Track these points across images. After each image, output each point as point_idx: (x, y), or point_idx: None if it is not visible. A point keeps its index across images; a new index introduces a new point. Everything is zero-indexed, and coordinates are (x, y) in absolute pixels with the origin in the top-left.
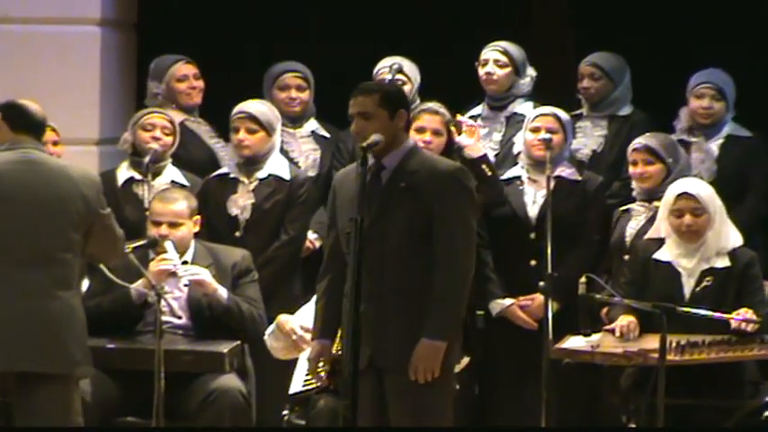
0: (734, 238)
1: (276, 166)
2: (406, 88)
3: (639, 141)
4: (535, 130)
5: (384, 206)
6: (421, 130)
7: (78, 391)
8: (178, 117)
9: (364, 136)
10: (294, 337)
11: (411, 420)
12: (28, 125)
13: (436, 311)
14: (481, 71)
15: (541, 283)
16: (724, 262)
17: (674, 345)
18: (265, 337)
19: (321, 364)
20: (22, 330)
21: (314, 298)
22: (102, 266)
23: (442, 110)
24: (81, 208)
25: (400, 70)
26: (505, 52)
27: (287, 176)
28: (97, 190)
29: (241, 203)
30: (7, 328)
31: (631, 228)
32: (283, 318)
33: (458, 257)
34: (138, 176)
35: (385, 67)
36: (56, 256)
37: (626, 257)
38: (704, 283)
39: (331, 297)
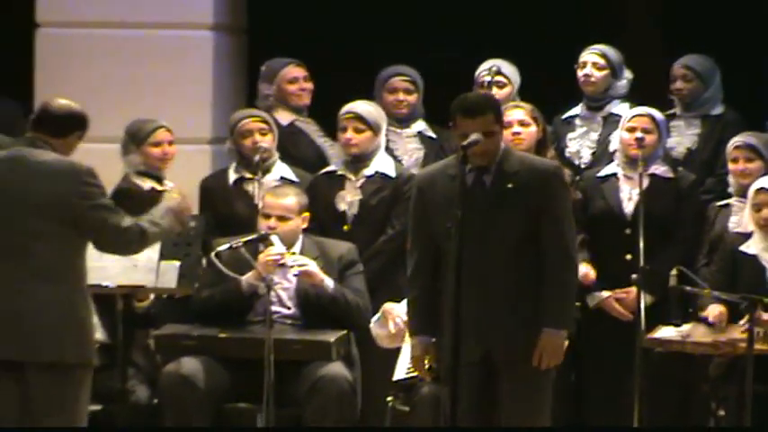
0: None
1: (382, 163)
2: (507, 90)
3: (741, 139)
4: (631, 129)
5: (492, 206)
6: (507, 125)
7: (78, 378)
8: (288, 117)
9: (487, 153)
10: (399, 325)
11: (523, 409)
12: (41, 121)
13: (556, 302)
14: (580, 73)
15: (635, 276)
16: None
17: (761, 335)
18: (371, 326)
19: (426, 360)
20: (23, 319)
21: None
22: (214, 259)
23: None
24: (52, 197)
25: (499, 72)
26: (603, 55)
27: (392, 174)
28: (74, 181)
29: (349, 199)
30: (9, 318)
31: (733, 222)
32: (389, 306)
33: (570, 252)
34: (248, 175)
35: (485, 70)
36: (35, 246)
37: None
38: None
39: (427, 293)
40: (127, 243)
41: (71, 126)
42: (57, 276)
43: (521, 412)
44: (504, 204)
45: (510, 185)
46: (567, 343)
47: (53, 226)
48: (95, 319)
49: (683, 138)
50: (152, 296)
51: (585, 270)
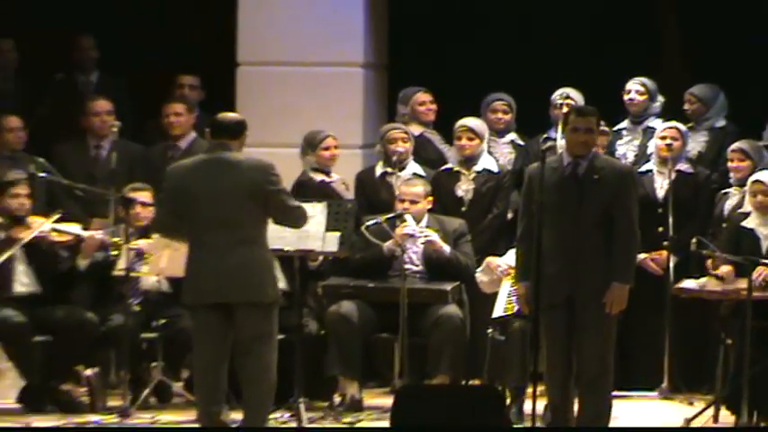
0: None
1: (487, 163)
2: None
3: (737, 145)
4: (663, 138)
5: (581, 190)
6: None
7: (276, 317)
8: (418, 130)
9: (589, 144)
10: (498, 272)
11: (596, 337)
12: (219, 131)
13: (624, 264)
14: (626, 97)
15: (666, 243)
16: None
17: (757, 283)
18: (476, 274)
19: (525, 300)
20: (228, 273)
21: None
22: (364, 231)
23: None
24: (248, 186)
25: (568, 96)
26: (643, 84)
27: (495, 170)
28: (262, 172)
29: (464, 188)
30: (213, 272)
31: (728, 206)
32: (490, 259)
33: (634, 228)
34: (389, 171)
35: (558, 95)
36: (237, 221)
37: (724, 225)
38: None
39: (528, 250)
40: (296, 219)
41: (241, 129)
42: (254, 241)
43: (592, 343)
44: (590, 191)
45: (596, 177)
46: (625, 293)
47: (251, 205)
48: (279, 273)
49: (695, 144)
50: (320, 257)
51: None
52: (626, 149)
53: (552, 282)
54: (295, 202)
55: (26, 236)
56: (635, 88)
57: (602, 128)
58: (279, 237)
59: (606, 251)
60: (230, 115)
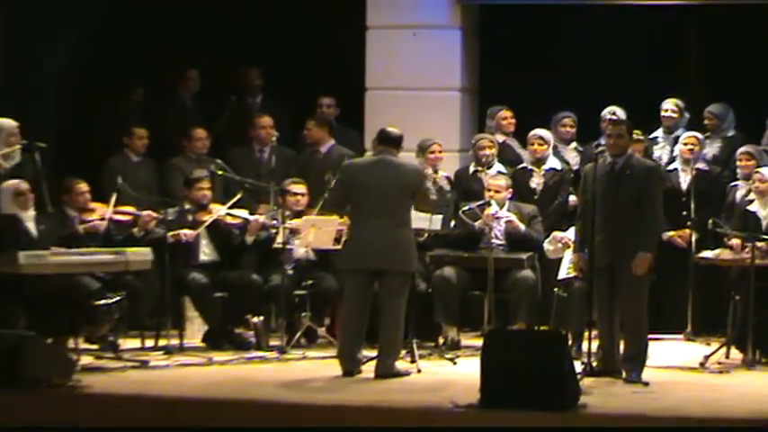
0: None
1: (553, 163)
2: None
3: (744, 149)
4: (685, 143)
5: (618, 182)
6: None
7: (409, 281)
8: (501, 138)
9: (620, 146)
10: (561, 243)
11: (631, 295)
12: (386, 140)
13: (647, 238)
14: (663, 114)
15: (688, 223)
16: None
17: (758, 253)
18: (544, 244)
19: (581, 266)
20: (383, 247)
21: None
22: (461, 214)
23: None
24: (406, 184)
25: (614, 113)
26: (677, 105)
27: (559, 168)
28: (417, 174)
29: (536, 182)
30: (373, 246)
31: (738, 195)
32: (555, 232)
33: (657, 214)
34: (479, 169)
35: (607, 112)
36: (399, 213)
37: (734, 210)
38: None
39: (583, 227)
40: (431, 207)
41: (401, 141)
42: (404, 224)
43: (628, 300)
44: (624, 183)
45: (628, 172)
46: (650, 260)
47: (405, 197)
48: None
49: (711, 149)
50: (426, 234)
51: None
52: (660, 153)
53: (597, 251)
54: (430, 195)
55: (208, 219)
56: (671, 107)
57: (637, 136)
58: None
59: (636, 229)
60: (395, 130)
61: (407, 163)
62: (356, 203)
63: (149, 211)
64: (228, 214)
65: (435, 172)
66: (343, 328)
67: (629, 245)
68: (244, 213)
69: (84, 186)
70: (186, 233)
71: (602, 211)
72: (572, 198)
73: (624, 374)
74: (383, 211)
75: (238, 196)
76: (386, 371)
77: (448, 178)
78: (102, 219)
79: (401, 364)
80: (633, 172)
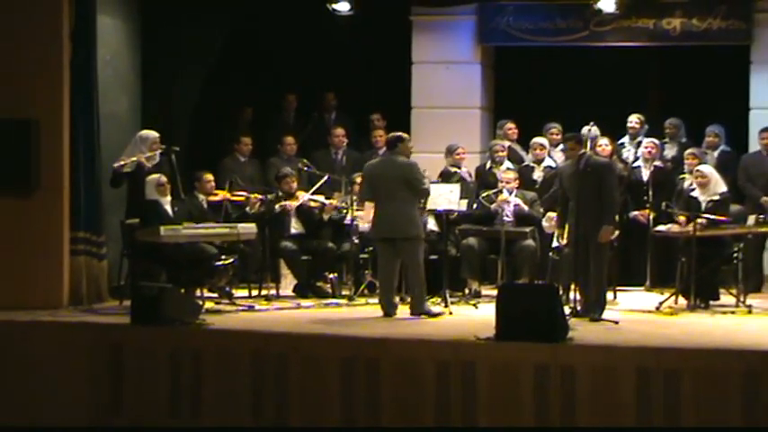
0: (721, 188)
1: (549, 162)
2: (597, 133)
3: (689, 150)
4: (646, 147)
5: (581, 178)
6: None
7: (422, 245)
8: (507, 143)
9: (574, 153)
10: (553, 221)
11: (597, 255)
12: (388, 145)
13: (607, 215)
14: (628, 124)
15: (647, 206)
16: (716, 197)
17: (698, 227)
18: (542, 222)
19: (564, 236)
20: (393, 221)
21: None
22: (481, 199)
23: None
24: (401, 175)
25: (640, 119)
26: (639, 118)
27: (554, 166)
28: (412, 170)
29: (537, 176)
30: (386, 222)
31: (684, 185)
32: (550, 213)
33: (613, 200)
34: (494, 165)
35: (635, 115)
36: (399, 196)
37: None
38: (709, 205)
39: (563, 211)
40: (425, 192)
41: (394, 143)
42: (406, 203)
43: (596, 257)
44: (587, 177)
45: (589, 169)
46: (611, 231)
47: (404, 187)
48: (432, 220)
49: (670, 151)
50: (456, 213)
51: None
52: (627, 154)
53: (573, 227)
54: (425, 184)
55: (294, 203)
56: (634, 120)
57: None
58: (433, 202)
59: (598, 211)
60: (392, 135)
61: (404, 160)
62: (374, 192)
63: (256, 195)
64: (310, 200)
65: (459, 168)
66: (380, 281)
67: (593, 220)
68: (321, 198)
69: (210, 177)
70: (289, 204)
71: (573, 198)
72: None
73: (591, 314)
74: (390, 195)
75: (323, 180)
76: (418, 310)
77: (470, 173)
78: (223, 200)
79: (433, 307)
80: (593, 169)
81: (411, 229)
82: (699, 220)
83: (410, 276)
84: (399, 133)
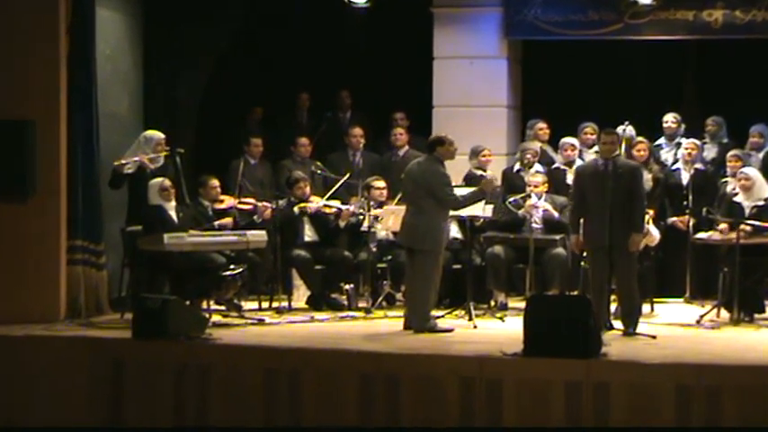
0: (766, 192)
1: (580, 164)
2: (632, 133)
3: (732, 152)
4: (686, 148)
5: (612, 179)
6: (635, 145)
7: (438, 259)
8: (537, 144)
9: (612, 150)
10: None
11: (626, 265)
12: (429, 147)
13: (636, 222)
14: (664, 124)
15: (688, 211)
16: (761, 202)
17: (742, 234)
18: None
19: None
20: (412, 231)
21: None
22: (508, 204)
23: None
24: (427, 184)
25: (676, 118)
26: (675, 117)
27: None
28: (435, 178)
29: (569, 178)
30: (408, 230)
31: (728, 189)
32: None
33: (642, 203)
34: (522, 168)
35: (672, 115)
36: (422, 204)
37: (724, 200)
38: (753, 211)
39: (579, 217)
40: (450, 203)
41: (432, 146)
42: (421, 212)
43: (624, 269)
44: (617, 179)
45: (620, 170)
46: (642, 239)
47: (426, 195)
48: (455, 227)
49: (710, 152)
50: (481, 219)
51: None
52: (666, 156)
53: (595, 233)
54: (452, 192)
55: (311, 208)
56: (671, 119)
57: (643, 140)
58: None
59: (628, 216)
60: (433, 137)
61: (430, 166)
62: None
63: (265, 203)
64: (326, 206)
65: (485, 171)
66: (405, 292)
67: (622, 228)
68: (337, 204)
69: (215, 182)
70: (311, 206)
71: (597, 201)
72: None
73: (624, 328)
74: (414, 202)
75: (342, 180)
76: (418, 327)
77: (495, 176)
78: (230, 208)
79: (441, 323)
80: (624, 171)
81: (426, 242)
82: (742, 227)
83: (415, 288)
84: (440, 135)
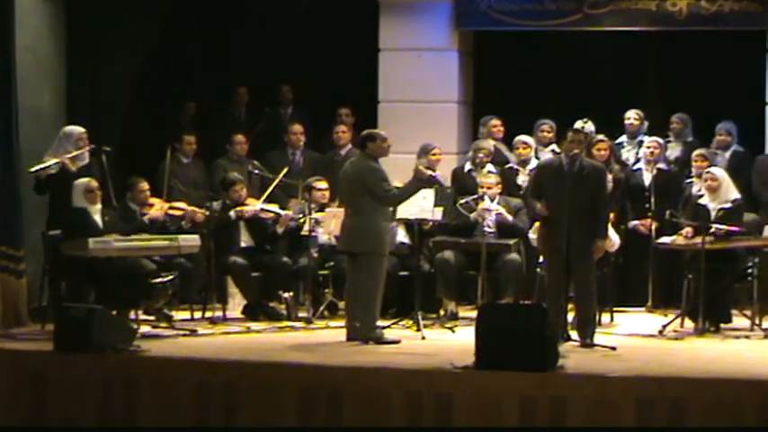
0: (733, 194)
1: (535, 164)
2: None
3: (698, 151)
4: (648, 147)
5: (575, 180)
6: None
7: (383, 262)
8: (491, 142)
9: (578, 150)
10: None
11: (586, 271)
12: (360, 143)
13: (601, 226)
14: (626, 121)
15: (650, 214)
16: (728, 204)
17: (707, 239)
18: (529, 234)
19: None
20: (352, 233)
21: None
22: (459, 206)
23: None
24: (363, 183)
25: (586, 121)
26: (638, 113)
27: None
28: (372, 174)
29: (522, 180)
30: (348, 233)
31: (694, 191)
32: (538, 224)
33: (606, 208)
34: (474, 168)
35: (579, 123)
36: (360, 204)
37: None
38: (719, 214)
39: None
40: (389, 198)
41: (362, 142)
42: (369, 213)
43: (583, 275)
44: (581, 180)
45: (585, 172)
46: (604, 245)
47: (364, 194)
48: (402, 231)
49: (674, 151)
50: (430, 223)
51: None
52: (627, 155)
53: (556, 235)
54: (390, 188)
55: (248, 211)
56: (633, 116)
57: (603, 138)
58: (404, 210)
59: (590, 219)
60: (363, 133)
61: (364, 164)
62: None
63: (195, 208)
64: (263, 210)
65: (434, 171)
66: (345, 300)
67: (584, 232)
68: (276, 209)
69: (145, 185)
70: (247, 209)
71: (558, 202)
72: None
73: (581, 339)
74: (351, 204)
75: (279, 176)
76: (364, 335)
77: (445, 177)
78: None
79: (388, 334)
80: (589, 173)
81: (368, 244)
82: (709, 231)
83: (358, 295)
84: (371, 130)
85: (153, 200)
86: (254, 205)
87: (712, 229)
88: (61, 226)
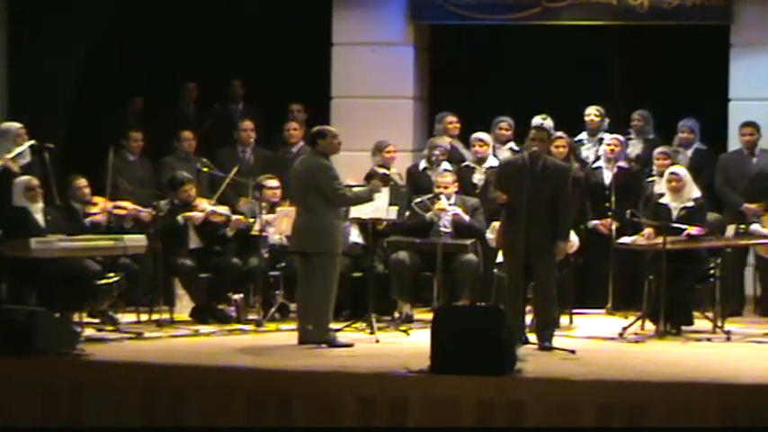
0: (695, 193)
1: (492, 161)
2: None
3: (660, 149)
4: (608, 145)
5: (538, 179)
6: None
7: (336, 263)
8: (448, 140)
9: (540, 149)
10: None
11: (547, 272)
12: (310, 140)
13: (562, 228)
14: (586, 118)
15: (610, 214)
16: (690, 204)
17: (669, 239)
18: (486, 233)
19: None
20: (303, 233)
21: None
22: (414, 206)
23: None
24: (314, 181)
25: (545, 118)
26: (598, 110)
27: (496, 164)
28: (322, 172)
29: (478, 178)
30: (298, 232)
31: (654, 189)
32: (495, 223)
33: (569, 209)
34: (429, 166)
35: (537, 119)
36: (310, 203)
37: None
38: (681, 213)
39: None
40: (339, 198)
41: (313, 138)
42: (320, 212)
43: (543, 277)
44: (543, 180)
45: (548, 171)
46: (566, 247)
47: (314, 193)
48: (356, 231)
49: (635, 149)
50: (384, 222)
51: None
52: (587, 153)
53: (516, 237)
54: (342, 189)
55: (196, 218)
56: (593, 112)
57: (562, 135)
58: (358, 209)
59: (552, 221)
60: (314, 129)
61: (315, 161)
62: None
63: (140, 207)
64: (214, 213)
65: (389, 169)
66: (297, 303)
67: (545, 234)
68: (226, 211)
69: (83, 182)
70: (196, 215)
71: (518, 202)
72: None
73: (539, 341)
74: (301, 203)
75: (230, 175)
76: (316, 338)
77: (400, 175)
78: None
79: (340, 337)
80: (552, 172)
81: (320, 243)
82: (670, 231)
83: (310, 296)
84: (321, 127)
85: (97, 199)
86: (203, 206)
87: (674, 229)
88: (1, 225)
